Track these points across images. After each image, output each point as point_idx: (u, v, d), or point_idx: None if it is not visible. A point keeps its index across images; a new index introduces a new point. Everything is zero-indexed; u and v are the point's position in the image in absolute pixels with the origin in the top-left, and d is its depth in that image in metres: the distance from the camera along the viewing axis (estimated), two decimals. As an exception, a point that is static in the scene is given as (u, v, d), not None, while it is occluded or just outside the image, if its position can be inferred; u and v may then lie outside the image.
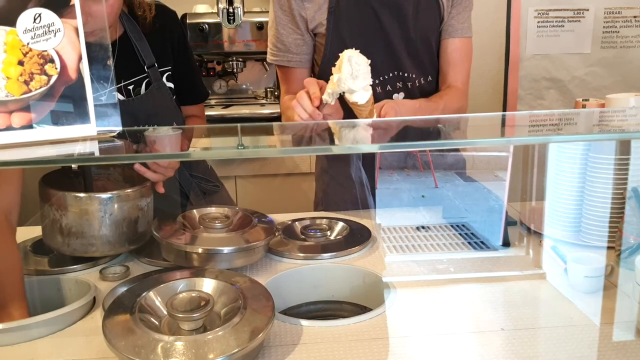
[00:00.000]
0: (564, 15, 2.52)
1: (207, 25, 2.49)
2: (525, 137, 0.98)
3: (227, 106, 2.57)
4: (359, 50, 1.08)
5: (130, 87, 1.39)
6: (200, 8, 2.59)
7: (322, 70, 1.45)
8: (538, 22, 2.51)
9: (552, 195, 1.32)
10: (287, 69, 1.46)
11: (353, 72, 1.04)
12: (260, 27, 2.51)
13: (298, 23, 1.41)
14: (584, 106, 1.35)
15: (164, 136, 1.31)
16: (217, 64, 2.69)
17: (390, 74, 1.44)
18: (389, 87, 1.45)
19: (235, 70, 2.65)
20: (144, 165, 1.21)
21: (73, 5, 0.78)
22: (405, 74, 1.44)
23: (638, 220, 1.17)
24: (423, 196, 1.49)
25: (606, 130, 0.95)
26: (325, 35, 1.40)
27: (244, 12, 2.48)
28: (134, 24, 1.39)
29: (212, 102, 2.65)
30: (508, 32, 2.49)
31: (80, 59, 0.79)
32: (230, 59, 2.61)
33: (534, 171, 1.34)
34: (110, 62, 0.81)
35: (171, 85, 1.47)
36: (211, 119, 2.51)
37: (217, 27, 2.50)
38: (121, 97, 1.35)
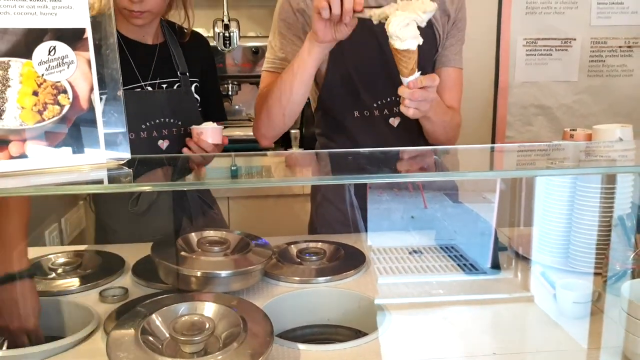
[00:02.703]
0: (551, 45, 2.59)
1: (203, 49, 2.54)
2: (515, 171, 1.02)
3: (221, 128, 2.61)
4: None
5: (164, 86, 1.54)
6: (197, 32, 2.64)
7: (321, 96, 1.51)
8: (527, 50, 2.58)
9: (540, 221, 1.36)
10: (276, 74, 1.44)
11: (406, 20, 1.06)
12: (256, 51, 2.56)
13: (299, 35, 1.44)
14: (571, 136, 1.40)
15: (209, 128, 1.42)
16: (213, 90, 2.74)
17: (389, 99, 1.49)
18: (386, 111, 1.50)
19: (230, 93, 2.69)
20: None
21: (86, 38, 0.82)
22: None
23: (624, 248, 1.21)
24: (412, 217, 1.52)
25: (593, 164, 1.00)
26: (327, 59, 1.43)
27: (240, 37, 2.52)
28: (172, 34, 1.58)
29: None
30: (497, 60, 2.56)
31: (91, 89, 0.82)
32: (225, 82, 2.65)
33: (522, 197, 1.38)
34: (121, 92, 0.84)
35: (197, 97, 1.61)
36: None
37: (213, 50, 2.54)
38: (150, 89, 1.51)
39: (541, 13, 2.54)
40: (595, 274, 1.24)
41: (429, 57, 1.50)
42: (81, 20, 0.82)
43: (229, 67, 2.62)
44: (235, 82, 2.69)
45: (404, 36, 1.08)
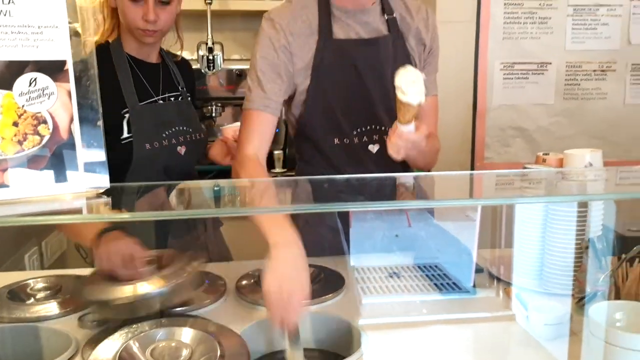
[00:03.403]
0: (528, 68, 2.65)
1: (186, 72, 2.57)
2: (491, 199, 1.05)
3: (204, 149, 2.63)
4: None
5: (172, 99, 1.67)
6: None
7: (301, 122, 1.52)
8: (504, 74, 2.64)
9: (516, 244, 1.39)
10: (259, 112, 1.43)
11: (413, 78, 1.16)
12: (240, 74, 2.59)
13: (282, 74, 1.43)
14: (544, 160, 1.44)
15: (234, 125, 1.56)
16: (195, 108, 2.76)
17: (368, 127, 1.51)
18: (365, 139, 1.51)
19: (214, 114, 2.71)
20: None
21: (67, 70, 0.84)
22: (382, 127, 1.51)
23: (595, 270, 1.24)
24: (396, 235, 1.53)
25: (565, 191, 1.03)
26: (307, 88, 1.45)
27: (224, 60, 2.56)
28: (168, 55, 1.73)
29: (190, 145, 2.70)
30: (475, 84, 2.61)
31: (72, 120, 0.84)
32: (209, 103, 2.68)
33: (500, 220, 1.41)
34: (100, 123, 0.86)
35: None
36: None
37: (197, 73, 2.57)
38: (162, 102, 1.65)
39: (517, 38, 2.61)
40: (574, 295, 1.26)
41: None
42: (62, 52, 0.83)
43: (213, 89, 2.64)
44: (219, 104, 2.71)
45: (408, 91, 1.16)
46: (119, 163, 1.48)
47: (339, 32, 1.45)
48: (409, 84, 1.16)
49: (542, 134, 2.69)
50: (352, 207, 1.23)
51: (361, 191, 1.02)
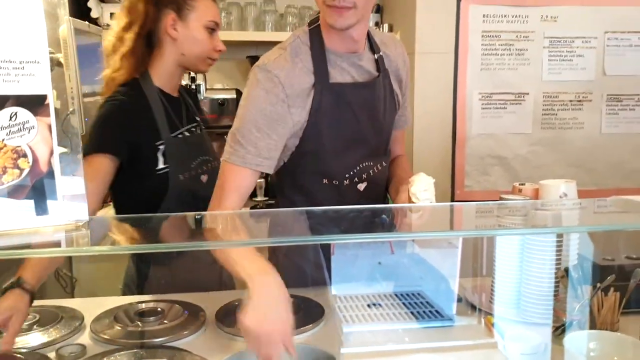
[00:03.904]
0: (506, 99, 2.71)
1: (169, 101, 2.59)
2: (469, 231, 1.08)
3: (186, 178, 2.63)
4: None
5: (193, 130, 1.73)
6: (163, 84, 2.70)
7: (291, 163, 1.47)
8: (482, 104, 2.69)
9: (495, 273, 1.40)
10: (246, 169, 1.36)
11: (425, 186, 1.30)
12: (222, 103, 2.61)
13: (279, 130, 1.37)
14: (520, 190, 1.46)
15: None
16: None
17: (359, 167, 1.50)
18: (355, 179, 1.50)
19: (195, 143, 2.72)
20: None
21: (48, 104, 0.85)
22: (372, 164, 1.53)
23: (572, 299, 1.26)
24: (379, 263, 1.53)
25: (541, 223, 1.06)
26: (303, 132, 1.41)
27: (206, 89, 2.58)
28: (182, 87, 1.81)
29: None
30: (455, 113, 2.66)
31: (51, 153, 0.85)
32: (191, 132, 2.69)
33: (481, 250, 1.43)
34: (80, 156, 0.87)
35: None
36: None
37: (179, 102, 2.59)
38: (188, 134, 1.71)
39: (495, 69, 2.67)
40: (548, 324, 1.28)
41: (391, 121, 1.57)
42: (43, 86, 0.85)
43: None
44: (201, 133, 2.72)
45: (421, 197, 1.28)
46: (155, 193, 1.57)
47: (336, 76, 1.43)
48: (421, 192, 1.28)
49: (520, 163, 2.73)
50: (328, 240, 1.24)
51: (339, 223, 1.03)
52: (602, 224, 1.12)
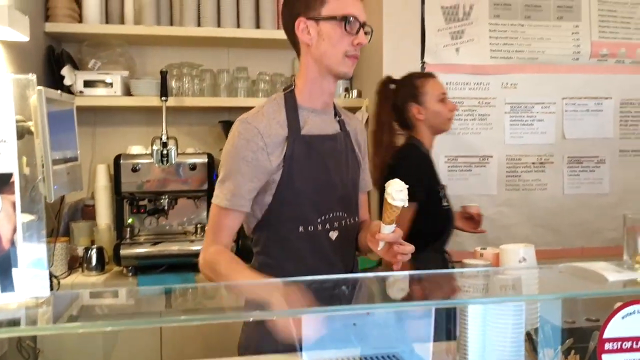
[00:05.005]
0: (471, 161, 2.80)
1: (140, 165, 2.60)
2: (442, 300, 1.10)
3: (155, 243, 2.61)
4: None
5: None
6: (135, 149, 2.71)
7: (269, 212, 1.59)
8: (448, 166, 2.77)
9: (460, 338, 1.42)
10: (233, 211, 1.55)
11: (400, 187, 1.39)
12: (193, 167, 2.63)
13: (258, 174, 1.54)
14: (481, 255, 1.50)
15: None
16: (148, 201, 2.77)
17: (330, 214, 1.62)
18: (327, 225, 1.61)
19: (166, 207, 2.72)
20: None
21: (13, 182, 0.87)
22: (340, 214, 1.64)
23: (534, 363, 1.28)
24: (354, 324, 1.53)
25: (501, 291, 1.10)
26: (279, 180, 1.56)
27: (178, 154, 2.61)
28: None
29: (142, 239, 2.69)
30: (422, 176, 2.72)
31: (14, 230, 0.86)
32: (162, 197, 2.69)
33: (457, 313, 1.45)
34: (44, 232, 0.88)
35: None
36: (140, 257, 2.54)
37: (149, 167, 2.60)
38: None
39: (459, 134, 2.77)
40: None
41: (355, 178, 1.70)
42: (9, 165, 0.87)
43: (166, 182, 2.66)
44: (172, 197, 2.73)
45: (396, 197, 1.38)
46: (440, 227, 2.23)
47: (306, 128, 1.59)
48: (397, 192, 1.37)
49: (487, 223, 2.77)
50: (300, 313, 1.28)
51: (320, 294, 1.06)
52: (559, 292, 1.17)
